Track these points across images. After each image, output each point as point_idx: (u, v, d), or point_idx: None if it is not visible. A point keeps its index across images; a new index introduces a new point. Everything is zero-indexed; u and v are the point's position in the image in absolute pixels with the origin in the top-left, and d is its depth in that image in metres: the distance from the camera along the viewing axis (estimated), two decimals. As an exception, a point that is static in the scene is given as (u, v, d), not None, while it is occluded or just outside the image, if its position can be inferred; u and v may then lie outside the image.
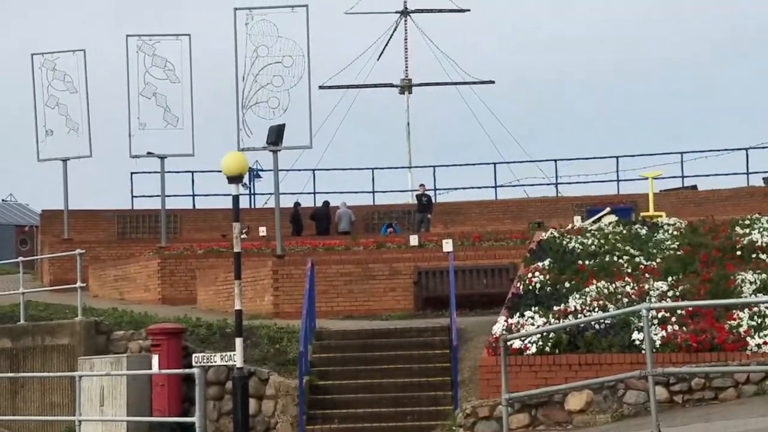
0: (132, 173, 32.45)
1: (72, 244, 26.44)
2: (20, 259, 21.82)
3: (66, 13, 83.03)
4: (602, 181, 34.52)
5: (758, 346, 13.42)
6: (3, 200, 58.22)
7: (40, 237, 32.78)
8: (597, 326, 13.98)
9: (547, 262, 17.50)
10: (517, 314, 14.98)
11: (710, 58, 79.46)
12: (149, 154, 27.52)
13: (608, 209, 24.75)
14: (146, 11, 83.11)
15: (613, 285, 15.91)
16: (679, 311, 14.15)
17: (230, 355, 14.87)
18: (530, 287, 16.43)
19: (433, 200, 32.67)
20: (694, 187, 33.92)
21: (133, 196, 32.94)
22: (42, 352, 18.08)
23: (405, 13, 41.48)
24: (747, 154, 33.80)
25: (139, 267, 25.18)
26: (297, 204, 32.20)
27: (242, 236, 17.99)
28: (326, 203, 32.12)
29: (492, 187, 34.51)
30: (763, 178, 33.65)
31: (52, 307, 21.15)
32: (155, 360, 16.35)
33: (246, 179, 34.15)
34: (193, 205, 33.67)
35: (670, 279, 16.07)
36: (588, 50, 78.25)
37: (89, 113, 28.59)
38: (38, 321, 19.17)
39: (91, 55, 28.76)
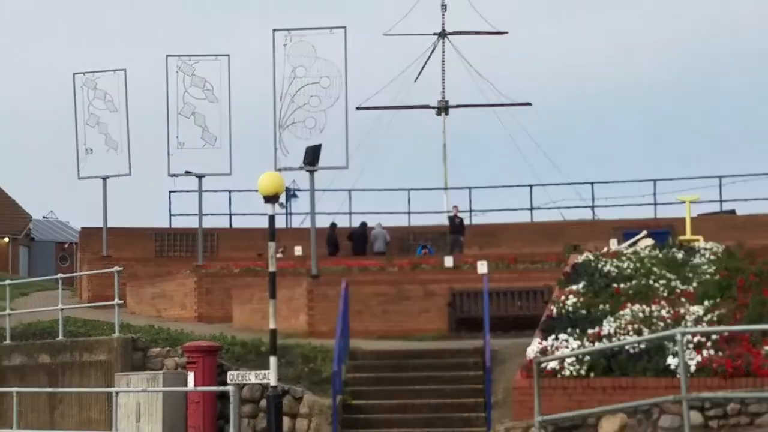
0: (170, 192, 32.68)
1: (110, 262, 26.76)
2: (60, 275, 22.06)
3: (104, 33, 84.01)
4: (639, 205, 34.32)
5: (795, 372, 13.32)
6: (44, 217, 58.85)
7: (80, 254, 33.14)
8: (631, 350, 13.94)
9: (581, 285, 17.48)
10: (552, 337, 14.98)
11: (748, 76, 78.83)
12: (187, 173, 27.74)
13: (645, 233, 24.56)
14: (183, 31, 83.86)
15: (649, 309, 15.86)
16: (714, 336, 14.08)
17: (264, 374, 14.97)
18: (564, 310, 16.41)
19: (465, 222, 32.59)
20: (733, 212, 33.64)
21: (171, 215, 33.20)
22: (80, 368, 18.28)
23: (443, 35, 41.54)
24: (787, 178, 33.55)
25: (176, 285, 25.39)
26: (333, 224, 32.32)
27: (278, 256, 18.12)
28: (363, 224, 32.17)
29: (528, 209, 34.43)
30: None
31: (90, 323, 21.38)
32: (191, 377, 16.48)
33: (282, 199, 34.35)
34: (230, 224, 33.89)
35: (706, 303, 15.99)
36: (625, 71, 77.98)
37: (129, 132, 29.02)
38: (77, 337, 19.38)
39: (130, 74, 29.18)
